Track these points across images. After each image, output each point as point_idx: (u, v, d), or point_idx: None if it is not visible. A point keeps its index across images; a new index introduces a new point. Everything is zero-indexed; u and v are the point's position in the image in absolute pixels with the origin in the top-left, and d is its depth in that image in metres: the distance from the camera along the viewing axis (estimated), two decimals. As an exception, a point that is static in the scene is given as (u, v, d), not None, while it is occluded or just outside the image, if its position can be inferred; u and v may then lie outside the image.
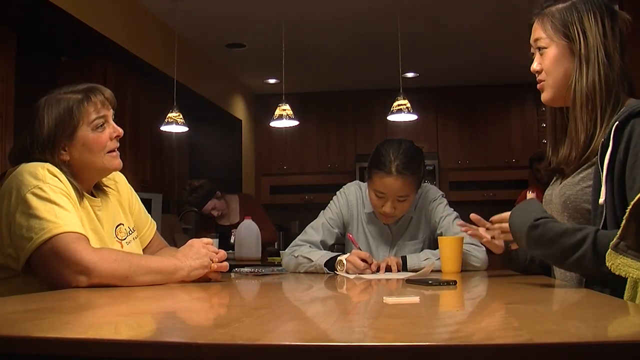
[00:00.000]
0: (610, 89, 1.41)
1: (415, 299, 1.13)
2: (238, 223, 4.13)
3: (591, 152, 1.42)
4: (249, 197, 5.08)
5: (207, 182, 4.58)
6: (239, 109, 6.63)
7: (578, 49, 1.43)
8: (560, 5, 1.48)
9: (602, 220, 1.31)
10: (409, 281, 1.62)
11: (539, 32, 1.51)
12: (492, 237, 1.81)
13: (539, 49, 1.52)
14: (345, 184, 2.48)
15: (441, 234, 2.25)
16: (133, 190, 1.85)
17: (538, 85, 1.54)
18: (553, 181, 1.63)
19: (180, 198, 5.71)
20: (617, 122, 1.33)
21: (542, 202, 1.62)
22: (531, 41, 1.54)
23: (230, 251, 4.07)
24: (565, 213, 1.47)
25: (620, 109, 1.40)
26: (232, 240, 4.16)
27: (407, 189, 2.18)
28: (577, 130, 1.44)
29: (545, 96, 1.53)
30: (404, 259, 2.16)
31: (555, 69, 1.48)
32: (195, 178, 4.68)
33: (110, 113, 1.65)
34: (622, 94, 1.43)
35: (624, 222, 1.12)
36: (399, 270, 2.11)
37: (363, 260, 2.07)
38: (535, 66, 1.53)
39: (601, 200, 1.34)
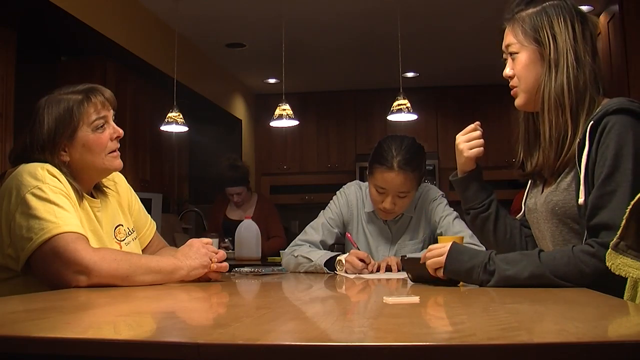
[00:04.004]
0: (580, 92, 1.40)
1: (415, 299, 1.13)
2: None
3: (571, 156, 1.41)
4: (268, 200, 5.03)
5: (247, 168, 4.61)
6: (239, 109, 6.63)
7: (548, 53, 1.43)
8: (530, 10, 1.48)
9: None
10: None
11: (510, 38, 1.51)
12: None
13: (511, 54, 1.52)
14: (345, 184, 2.48)
15: (441, 234, 2.25)
16: (133, 191, 1.85)
17: (512, 92, 1.54)
18: (530, 188, 1.62)
19: (180, 197, 5.71)
20: (592, 122, 1.34)
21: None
22: (503, 47, 1.55)
23: (230, 251, 4.07)
24: (554, 219, 1.46)
25: (596, 109, 1.39)
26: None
27: (407, 185, 2.19)
28: (546, 134, 1.44)
29: (518, 101, 1.53)
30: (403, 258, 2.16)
31: (527, 73, 1.48)
32: (237, 158, 4.72)
33: (110, 114, 1.65)
34: (596, 95, 1.42)
35: (623, 222, 1.12)
36: (399, 270, 2.11)
37: (361, 260, 2.08)
38: (507, 71, 1.54)
39: (580, 200, 1.34)
